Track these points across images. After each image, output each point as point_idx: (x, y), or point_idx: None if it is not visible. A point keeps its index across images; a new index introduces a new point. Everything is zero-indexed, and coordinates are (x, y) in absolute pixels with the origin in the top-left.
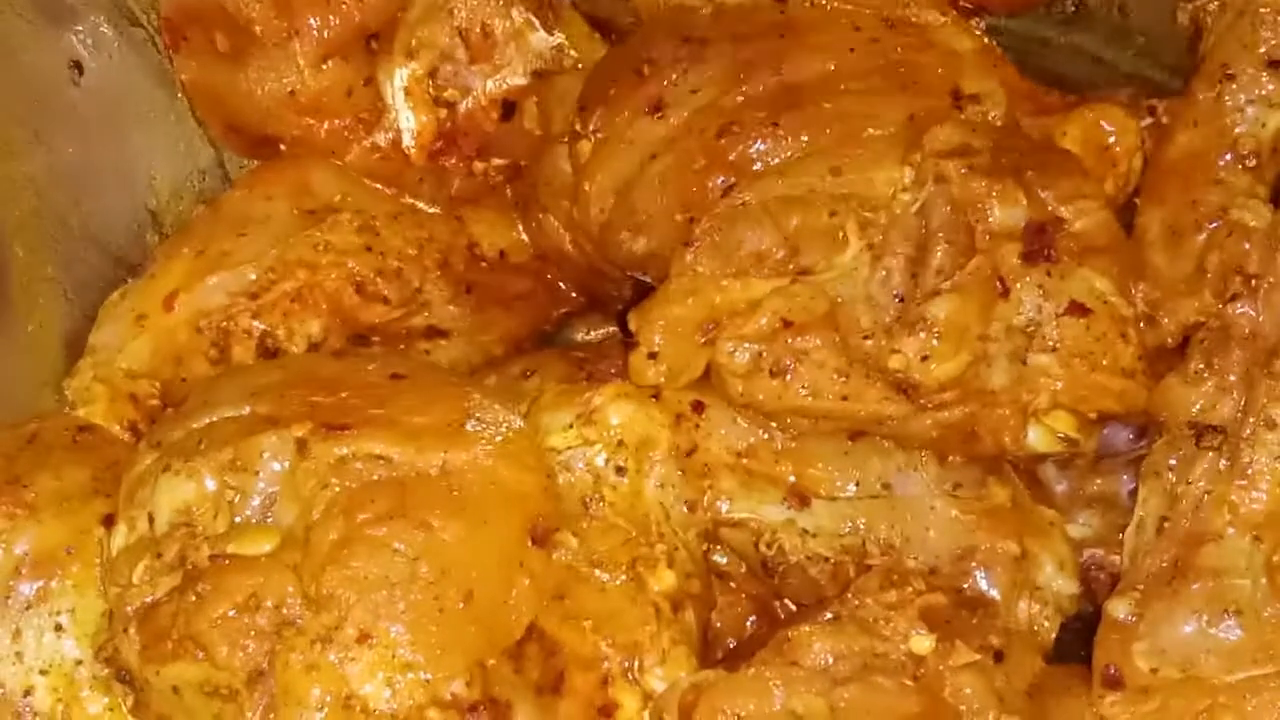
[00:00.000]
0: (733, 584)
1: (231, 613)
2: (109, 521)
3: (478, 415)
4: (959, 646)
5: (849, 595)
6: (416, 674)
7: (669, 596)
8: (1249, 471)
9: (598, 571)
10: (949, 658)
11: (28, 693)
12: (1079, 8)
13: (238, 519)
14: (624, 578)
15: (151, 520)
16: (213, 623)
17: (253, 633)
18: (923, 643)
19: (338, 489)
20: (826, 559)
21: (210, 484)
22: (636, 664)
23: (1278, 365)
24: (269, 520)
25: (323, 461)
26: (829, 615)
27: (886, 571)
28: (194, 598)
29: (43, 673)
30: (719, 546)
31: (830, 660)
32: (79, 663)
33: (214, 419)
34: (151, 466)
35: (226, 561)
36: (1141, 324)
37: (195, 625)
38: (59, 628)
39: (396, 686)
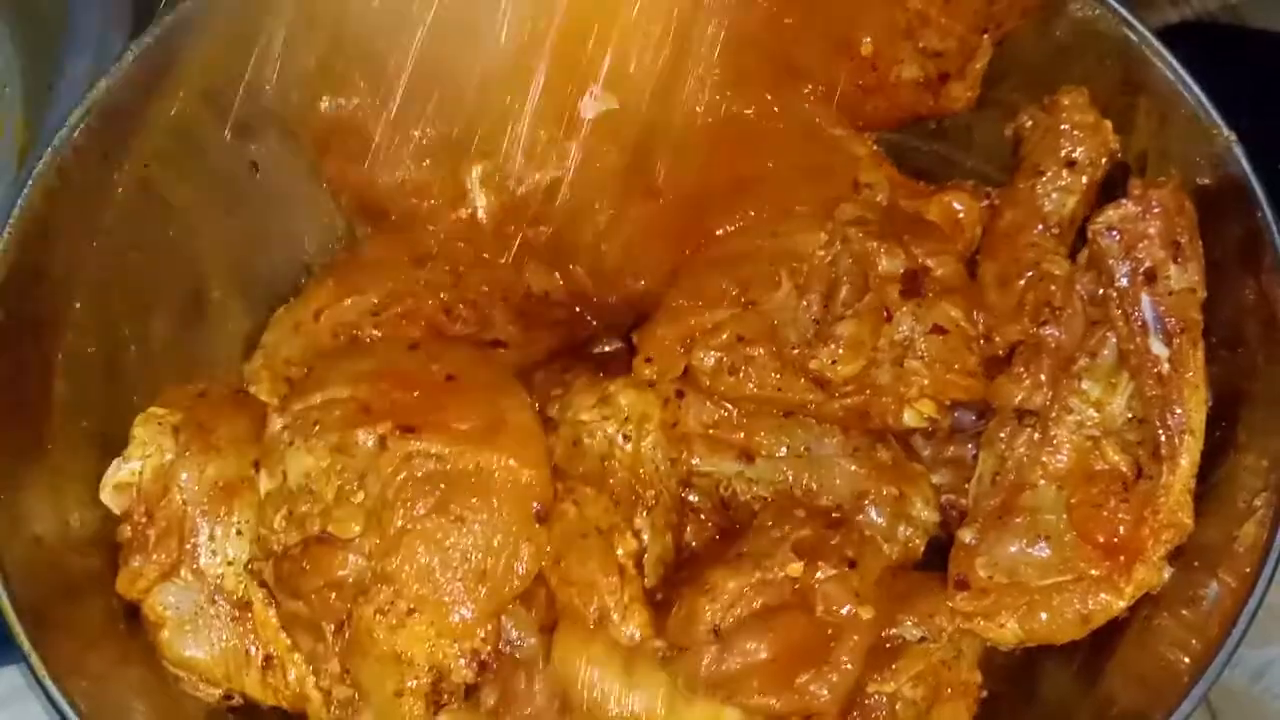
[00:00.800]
0: (702, 515)
1: (323, 585)
2: (257, 466)
3: (502, 420)
4: (821, 565)
5: (749, 532)
6: (446, 638)
7: (631, 556)
8: (1054, 441)
9: (583, 539)
10: (815, 574)
11: (219, 576)
12: (938, 125)
13: (341, 484)
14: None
15: (285, 476)
16: (311, 590)
17: (335, 597)
18: (796, 567)
19: (404, 476)
20: (765, 498)
21: (323, 460)
22: (605, 621)
23: (1073, 369)
24: (359, 490)
25: (396, 454)
26: (737, 551)
27: (775, 509)
28: (303, 567)
29: (229, 563)
30: (692, 489)
31: (735, 586)
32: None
33: (327, 398)
34: (280, 434)
35: (325, 542)
36: (981, 341)
37: (300, 589)
38: (239, 532)
39: (431, 647)
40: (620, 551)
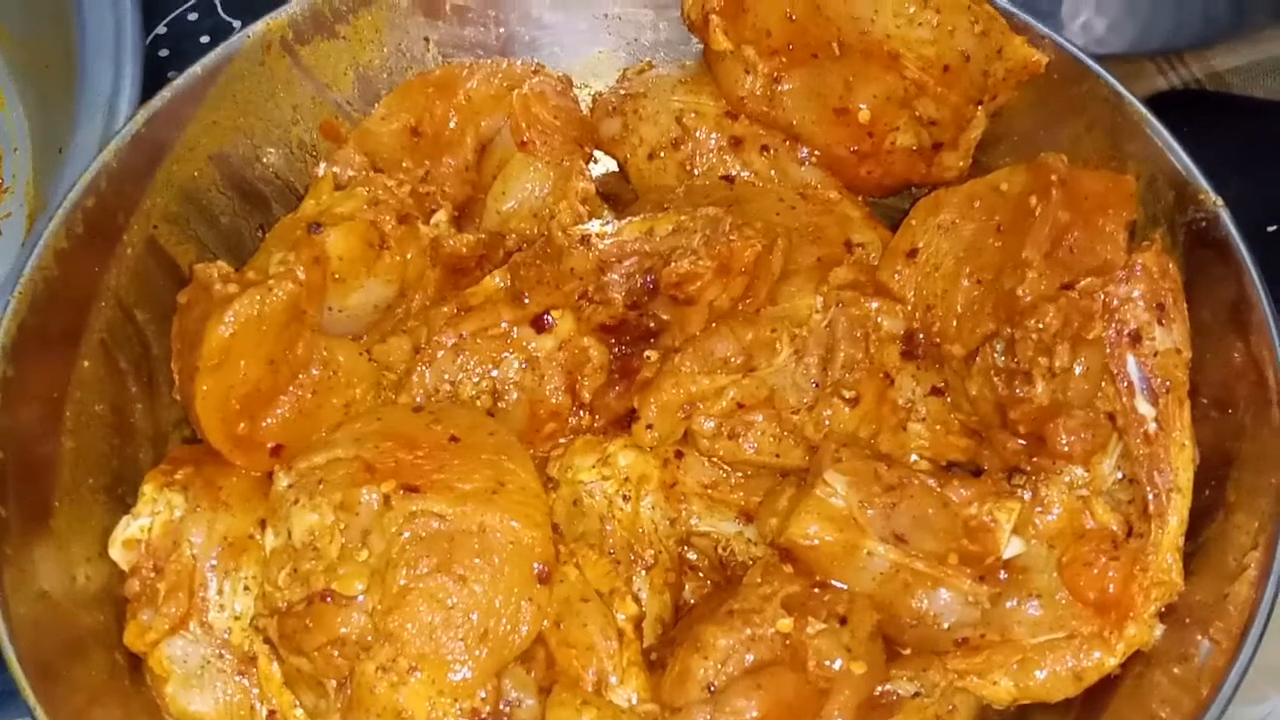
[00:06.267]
0: (700, 573)
1: (325, 642)
2: (263, 525)
3: (505, 481)
4: (811, 620)
5: (740, 589)
6: (446, 696)
7: (631, 620)
8: (1045, 501)
9: (584, 603)
10: (805, 630)
11: (227, 630)
12: (930, 191)
13: (345, 541)
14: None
15: (289, 533)
16: (314, 647)
17: (338, 654)
18: (785, 623)
19: (407, 535)
20: (761, 557)
21: (328, 517)
22: (603, 683)
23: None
24: (363, 548)
25: (400, 513)
26: (728, 609)
27: (763, 566)
28: (306, 624)
29: (236, 618)
30: (691, 548)
31: (726, 644)
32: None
33: (331, 457)
34: (285, 492)
35: (328, 600)
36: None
37: (303, 646)
38: (246, 587)
39: (432, 705)
40: (621, 616)
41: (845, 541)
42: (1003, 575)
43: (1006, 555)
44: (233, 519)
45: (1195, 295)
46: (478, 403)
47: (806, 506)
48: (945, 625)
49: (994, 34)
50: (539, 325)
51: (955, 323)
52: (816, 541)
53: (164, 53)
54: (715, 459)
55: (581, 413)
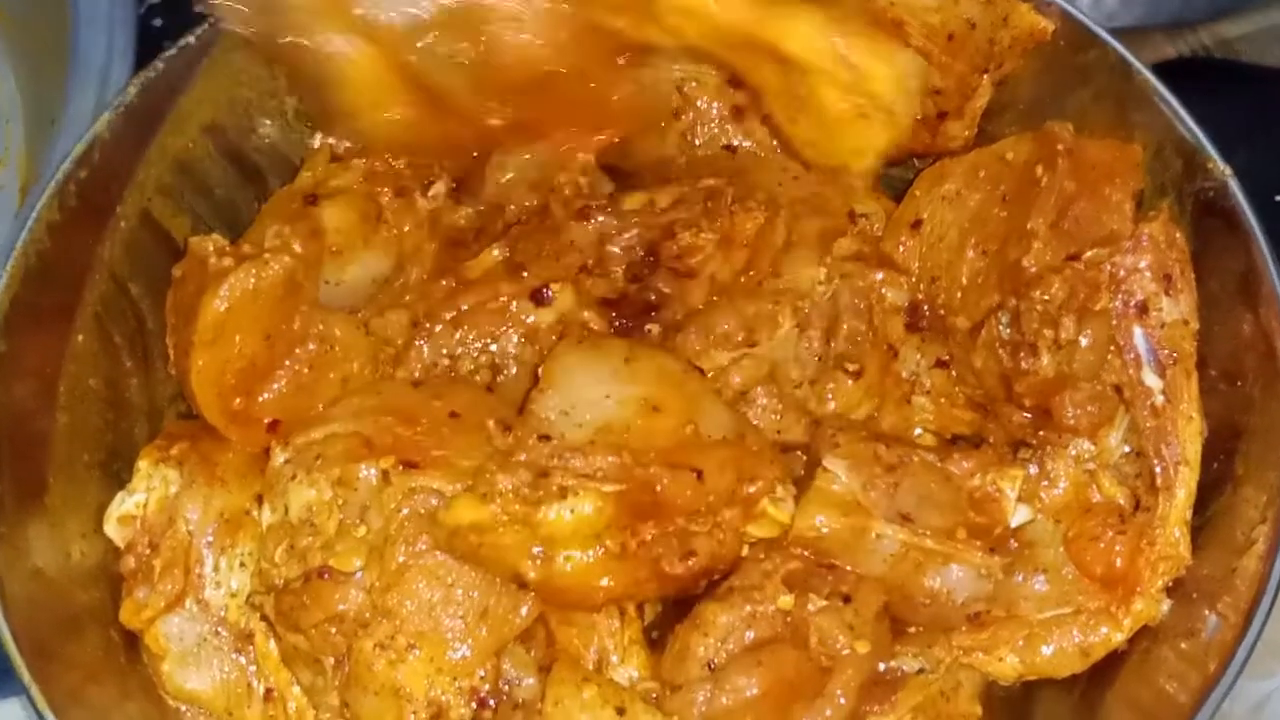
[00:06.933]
0: None
1: (323, 619)
2: (260, 500)
3: None
4: (812, 597)
5: (740, 565)
6: (445, 675)
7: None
8: (1051, 475)
9: None
10: (806, 607)
11: (224, 608)
12: (934, 161)
13: (343, 518)
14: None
15: (286, 509)
16: (311, 624)
17: (335, 631)
18: (786, 600)
19: (406, 512)
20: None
21: (325, 493)
22: (604, 662)
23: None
24: (361, 524)
25: (399, 490)
26: (729, 586)
27: (765, 542)
28: (303, 601)
29: (232, 595)
30: None
31: (727, 621)
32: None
33: (329, 433)
34: (282, 467)
35: (326, 576)
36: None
37: (300, 623)
38: (243, 564)
39: (430, 683)
40: None
41: (853, 526)
42: (1012, 544)
43: (1014, 524)
44: (229, 495)
45: (1203, 266)
46: (477, 377)
47: (809, 498)
48: (959, 601)
49: (1000, 1)
50: (538, 299)
51: (960, 294)
52: (825, 530)
53: (157, 23)
54: None
55: None
